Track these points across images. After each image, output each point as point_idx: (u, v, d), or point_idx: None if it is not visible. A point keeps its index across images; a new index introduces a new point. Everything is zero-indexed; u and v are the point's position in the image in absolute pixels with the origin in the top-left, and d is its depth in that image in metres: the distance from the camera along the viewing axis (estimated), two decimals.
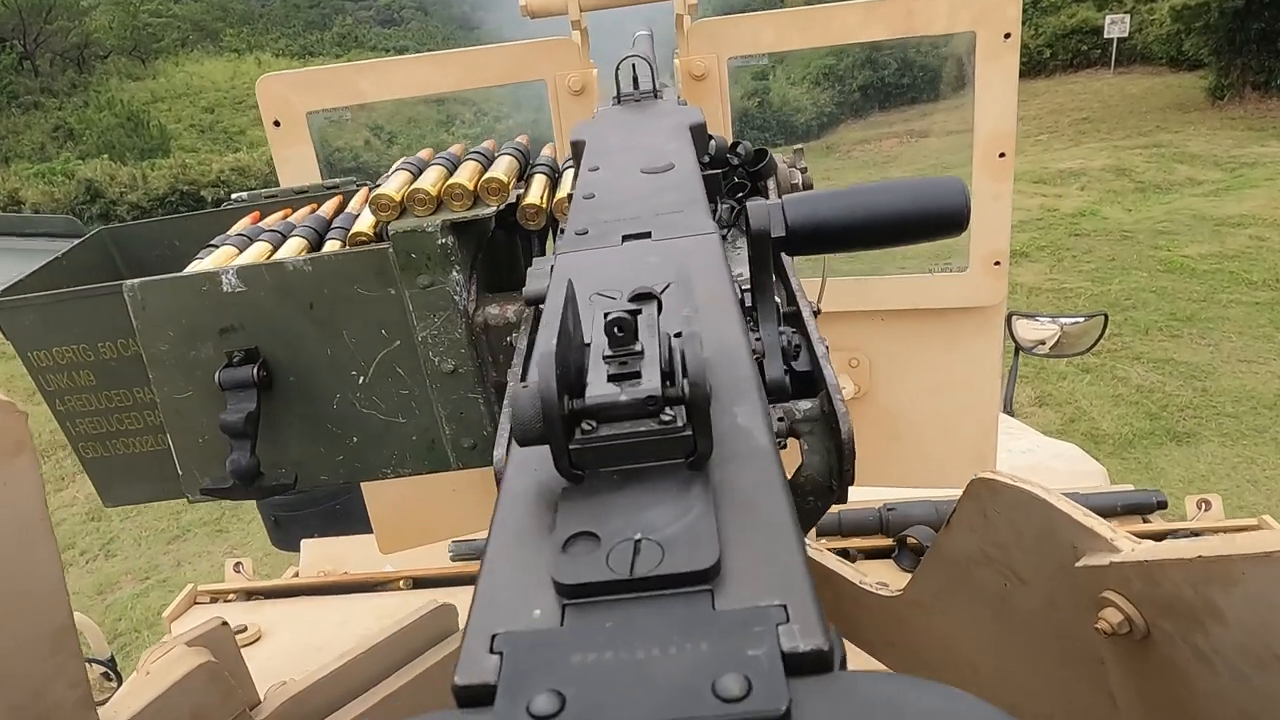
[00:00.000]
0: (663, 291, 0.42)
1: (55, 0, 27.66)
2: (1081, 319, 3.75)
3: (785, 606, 0.25)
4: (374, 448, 0.87)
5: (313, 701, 1.04)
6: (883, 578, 1.41)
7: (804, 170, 0.99)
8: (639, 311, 0.35)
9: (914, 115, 17.87)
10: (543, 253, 0.92)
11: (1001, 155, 1.49)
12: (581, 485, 0.32)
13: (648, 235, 0.56)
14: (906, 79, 19.21)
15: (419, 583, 1.90)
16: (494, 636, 0.26)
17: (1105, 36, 17.17)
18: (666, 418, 0.31)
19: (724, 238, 0.79)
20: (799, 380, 0.64)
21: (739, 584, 0.27)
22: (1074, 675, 0.81)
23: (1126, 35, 16.94)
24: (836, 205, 0.61)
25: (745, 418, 0.34)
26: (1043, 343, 3.71)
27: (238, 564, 2.09)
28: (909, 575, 1.56)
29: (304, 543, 2.25)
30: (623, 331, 0.33)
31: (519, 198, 0.85)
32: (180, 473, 0.87)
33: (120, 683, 2.13)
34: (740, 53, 1.49)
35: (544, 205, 0.83)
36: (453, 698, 0.25)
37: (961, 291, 1.62)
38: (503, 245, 0.92)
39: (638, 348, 0.33)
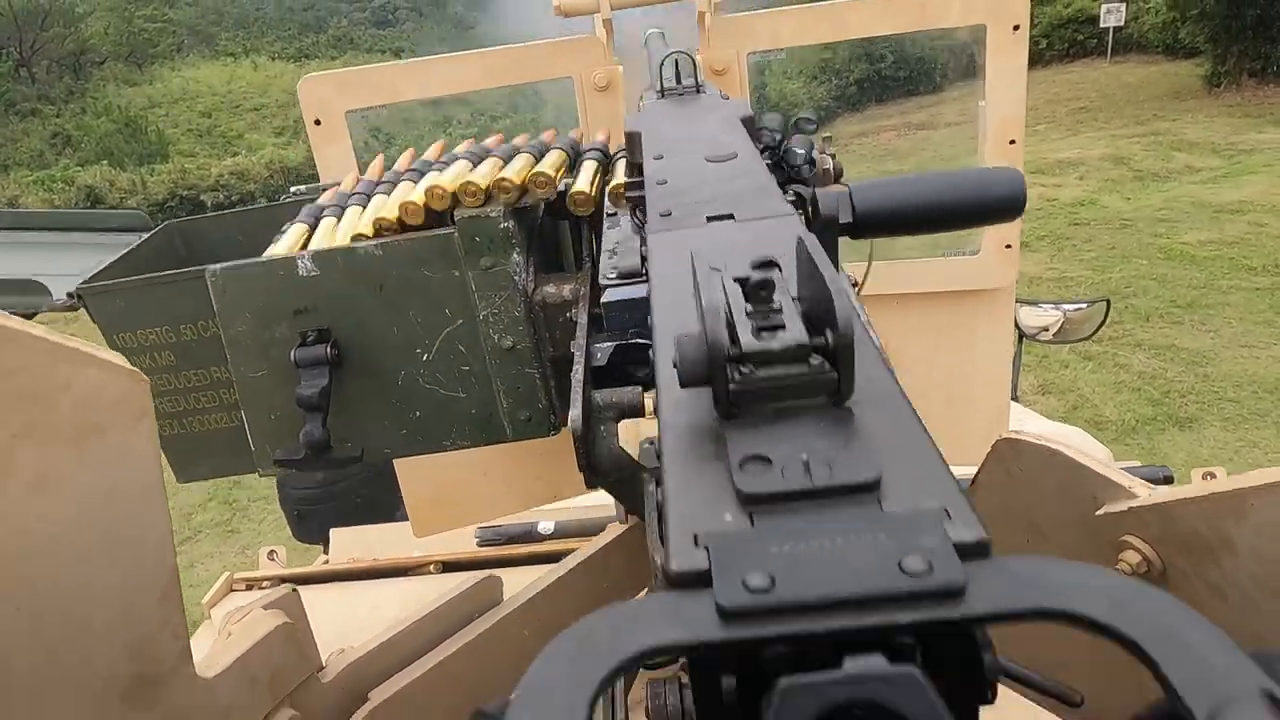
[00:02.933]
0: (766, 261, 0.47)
1: (51, 7, 27.67)
2: (1084, 305, 3.81)
3: (945, 509, 0.30)
4: (435, 421, 0.93)
5: (371, 667, 1.10)
6: None
7: (833, 156, 1.04)
8: (769, 273, 0.40)
9: (911, 108, 17.91)
10: (591, 236, 0.97)
11: (1012, 141, 1.55)
12: (739, 421, 0.36)
13: (730, 217, 0.59)
14: (903, 72, 19.25)
15: (449, 566, 1.95)
16: (696, 535, 0.30)
17: (1101, 26, 17.20)
18: (814, 362, 0.35)
19: None
20: None
21: (900, 492, 0.31)
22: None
23: (1122, 24, 16.97)
24: (902, 192, 0.66)
25: (870, 366, 0.38)
26: (1046, 329, 3.76)
27: (271, 552, 2.14)
28: None
29: (333, 531, 2.30)
30: (765, 290, 0.38)
31: (567, 185, 0.91)
32: (253, 447, 0.92)
33: None
34: (760, 48, 1.55)
35: (593, 192, 0.88)
36: (664, 583, 0.29)
37: (973, 274, 1.68)
38: (550, 231, 0.98)
39: (776, 305, 0.38)
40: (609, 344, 0.76)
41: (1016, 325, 3.67)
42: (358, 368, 0.90)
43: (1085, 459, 0.79)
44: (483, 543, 2.06)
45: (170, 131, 25.16)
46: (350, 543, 2.24)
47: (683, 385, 0.37)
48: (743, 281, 0.40)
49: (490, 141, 0.97)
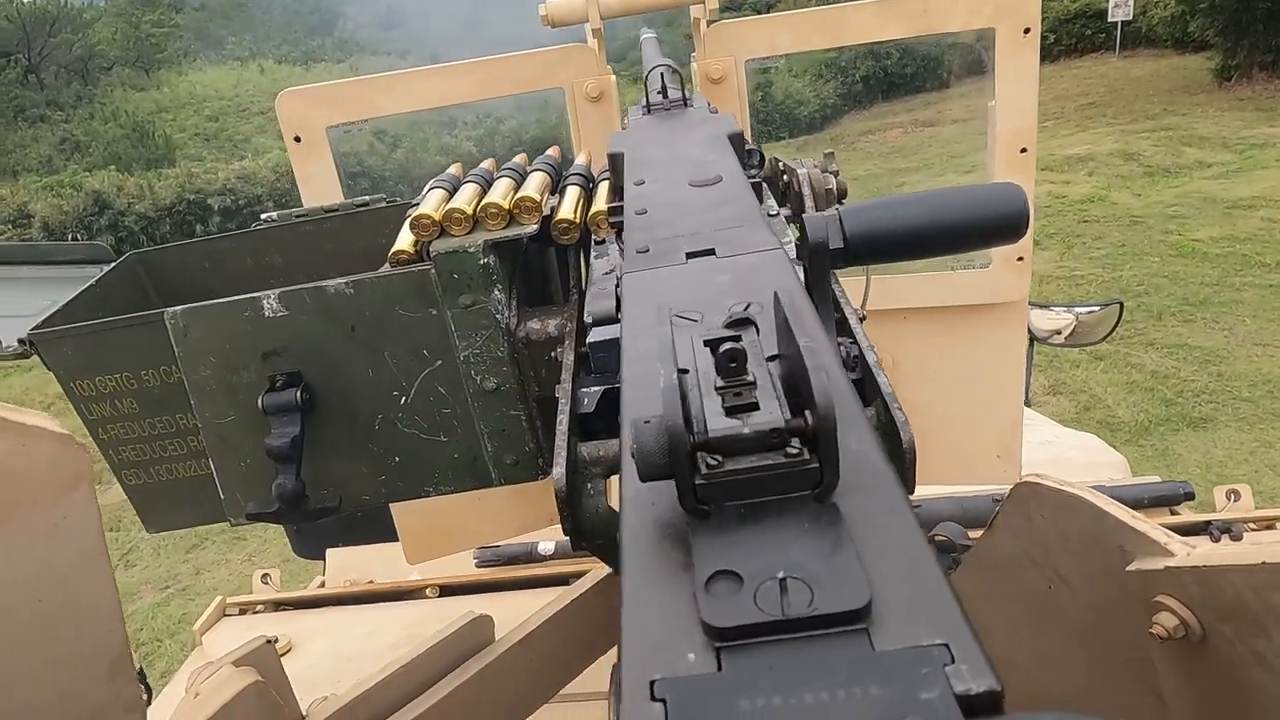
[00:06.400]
0: (745, 310, 0.42)
1: (58, 13, 27.79)
2: (1096, 308, 3.74)
3: (948, 646, 0.25)
4: (416, 467, 0.87)
5: (354, 717, 1.04)
6: None
7: (836, 174, 0.99)
8: (740, 339, 0.35)
9: (918, 105, 17.81)
10: (578, 263, 0.91)
11: (1023, 151, 1.49)
12: (709, 521, 0.31)
13: (711, 252, 0.55)
14: (909, 68, 19.13)
15: (446, 590, 1.91)
16: (653, 683, 0.26)
17: (1110, 20, 17.06)
18: (792, 450, 0.31)
19: None
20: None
21: (894, 622, 0.26)
22: (1120, 676, 0.81)
23: (1131, 18, 16.82)
24: (894, 215, 0.60)
25: (858, 443, 0.34)
26: (1058, 333, 3.69)
27: (265, 575, 2.10)
28: None
29: (329, 552, 2.26)
30: (735, 362, 0.33)
31: (552, 210, 0.85)
32: (223, 497, 0.87)
33: (150, 692, 2.14)
34: (758, 54, 1.49)
35: (577, 219, 0.83)
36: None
37: (984, 288, 1.62)
38: (535, 258, 0.92)
39: (749, 377, 0.33)
40: (596, 389, 0.70)
41: (1028, 329, 3.60)
42: (332, 412, 0.84)
43: (1113, 507, 0.73)
44: (481, 564, 2.01)
45: (178, 136, 25.25)
46: (347, 563, 2.20)
47: (642, 479, 0.32)
48: (713, 345, 0.35)
49: (453, 169, 0.91)
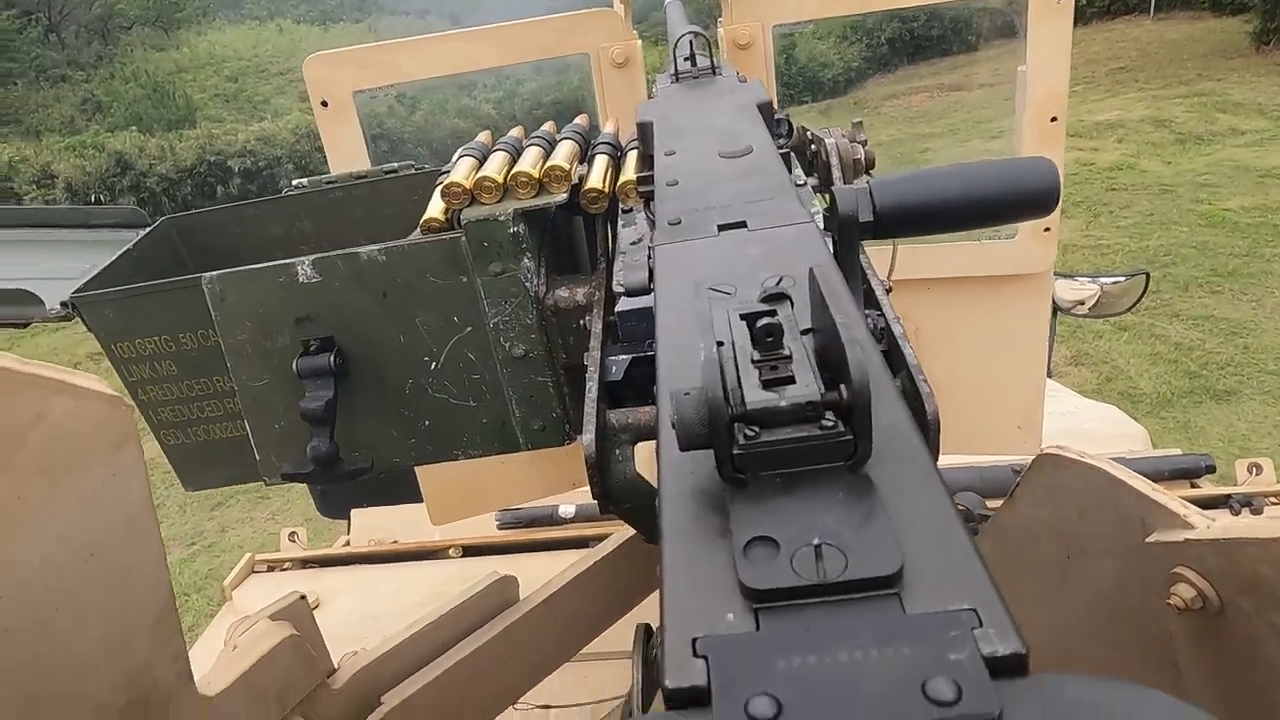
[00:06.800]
0: (778, 285, 0.43)
1: None
2: (1122, 278, 3.69)
3: (975, 611, 0.26)
4: (446, 431, 0.89)
5: (383, 671, 1.07)
6: None
7: (864, 143, 0.98)
8: (775, 313, 0.36)
9: (944, 69, 17.46)
10: (606, 232, 0.92)
11: (1053, 120, 1.46)
12: (746, 490, 0.33)
13: (743, 225, 0.56)
14: (936, 31, 18.73)
15: (469, 551, 1.94)
16: (695, 641, 0.27)
17: None
18: (827, 423, 0.32)
19: None
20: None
21: (924, 588, 0.28)
22: (1137, 647, 0.82)
23: None
24: (925, 188, 0.61)
25: (889, 415, 0.35)
26: (1082, 303, 3.65)
27: (293, 533, 2.15)
28: None
29: (354, 512, 2.30)
30: (772, 337, 0.34)
31: (581, 179, 0.86)
32: (258, 457, 0.89)
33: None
34: (785, 20, 1.47)
35: (605, 189, 0.83)
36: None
37: (1010, 259, 1.61)
38: (563, 227, 0.93)
39: (785, 351, 0.34)
40: (624, 356, 0.71)
41: (1052, 300, 3.56)
42: (364, 377, 0.86)
43: (1135, 480, 0.74)
44: (503, 526, 2.05)
45: (198, 97, 25.19)
46: (371, 524, 2.24)
47: (682, 449, 0.33)
48: (750, 320, 0.37)
49: (482, 136, 0.92)
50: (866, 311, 0.64)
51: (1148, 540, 0.73)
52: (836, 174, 0.93)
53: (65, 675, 0.64)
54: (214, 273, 0.80)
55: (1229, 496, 1.68)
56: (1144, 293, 3.62)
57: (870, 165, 0.97)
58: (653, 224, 0.71)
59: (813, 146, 0.99)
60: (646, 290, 0.65)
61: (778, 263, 0.49)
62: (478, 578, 1.79)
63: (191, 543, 5.89)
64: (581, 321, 0.83)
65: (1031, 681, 0.24)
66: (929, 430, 0.61)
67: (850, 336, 0.32)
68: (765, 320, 0.35)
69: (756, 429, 0.32)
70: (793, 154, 1.02)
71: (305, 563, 2.01)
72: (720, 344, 0.36)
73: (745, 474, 0.33)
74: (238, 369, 0.84)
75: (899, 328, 0.66)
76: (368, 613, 1.79)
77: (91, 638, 0.64)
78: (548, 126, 0.94)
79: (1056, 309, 3.59)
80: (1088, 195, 8.95)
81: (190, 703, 0.76)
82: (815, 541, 0.29)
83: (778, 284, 0.45)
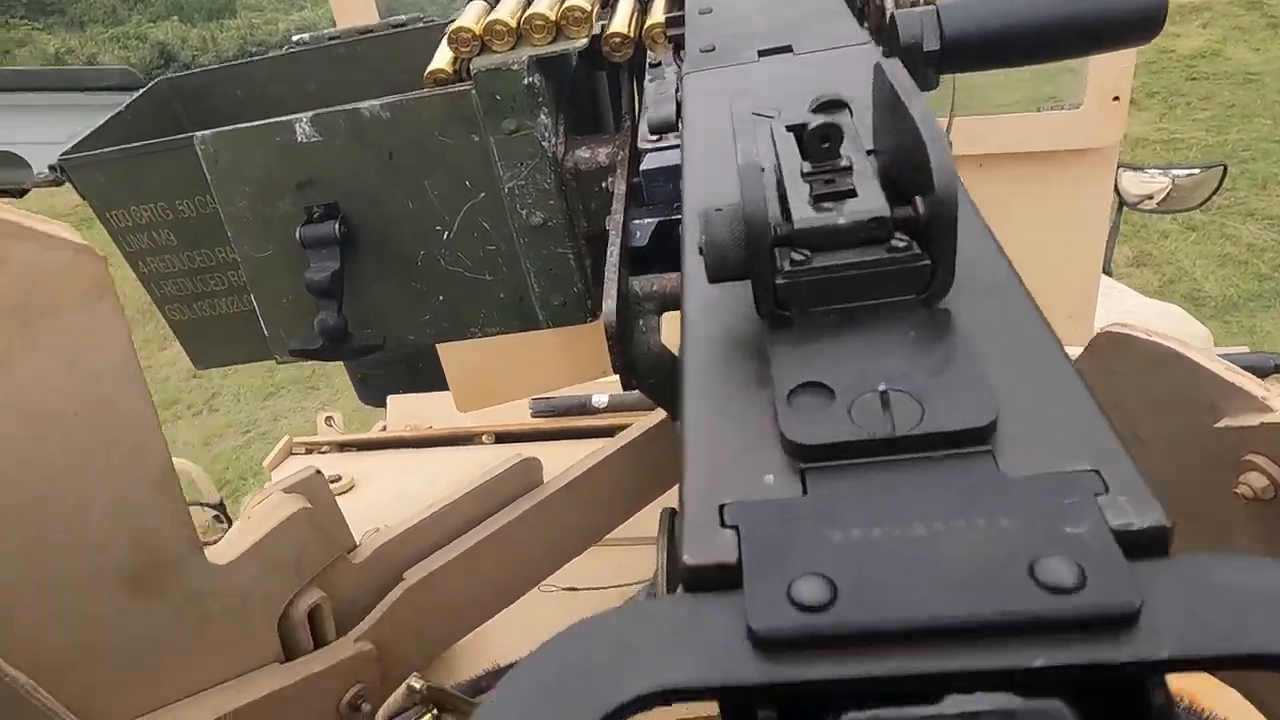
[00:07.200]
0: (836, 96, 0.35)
1: None
2: (1196, 170, 3.46)
3: (1098, 473, 0.20)
4: (461, 306, 0.85)
5: (405, 548, 1.07)
6: None
7: None
8: (832, 122, 0.28)
9: None
10: (631, 88, 0.84)
11: None
12: (791, 329, 0.26)
13: (788, 49, 0.48)
14: None
15: (501, 438, 1.95)
16: (722, 508, 0.21)
17: None
18: (899, 243, 0.25)
19: None
20: None
21: (1028, 444, 0.22)
22: (1196, 542, 0.77)
23: None
24: (1005, 8, 0.51)
25: (973, 245, 0.28)
26: (1150, 197, 3.44)
27: (329, 418, 2.17)
28: None
29: (390, 399, 2.32)
30: (827, 141, 0.27)
31: (603, 27, 0.78)
32: (266, 333, 0.86)
33: (230, 524, 2.27)
34: None
35: (631, 34, 0.75)
36: (679, 581, 0.20)
37: (1073, 132, 1.47)
38: (584, 80, 0.86)
39: (844, 162, 0.27)
40: (650, 220, 0.65)
41: (1116, 192, 3.37)
42: (372, 246, 0.81)
43: (1207, 360, 0.67)
44: (536, 414, 2.04)
45: None
46: (408, 410, 2.26)
47: (711, 280, 0.27)
48: (799, 130, 0.29)
49: None
50: None
51: (1217, 425, 0.66)
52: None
53: (66, 532, 0.63)
54: (207, 132, 0.75)
55: None
56: (1218, 187, 3.40)
57: None
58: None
59: None
60: (673, 126, 0.57)
61: (832, 84, 0.41)
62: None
63: (247, 430, 6.09)
64: (604, 184, 0.77)
65: (1176, 563, 0.18)
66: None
67: (933, 133, 0.25)
68: (819, 121, 0.28)
69: (806, 253, 0.26)
70: None
71: (341, 446, 2.04)
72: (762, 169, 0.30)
73: (791, 310, 0.26)
74: (239, 238, 0.80)
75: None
76: (401, 494, 1.81)
77: (91, 495, 0.63)
78: None
79: (1122, 204, 3.40)
80: (1164, 85, 8.39)
81: (200, 571, 0.76)
82: (881, 388, 0.23)
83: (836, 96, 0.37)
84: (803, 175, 0.27)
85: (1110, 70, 1.36)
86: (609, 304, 0.56)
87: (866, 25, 0.89)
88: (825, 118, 0.28)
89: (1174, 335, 2.29)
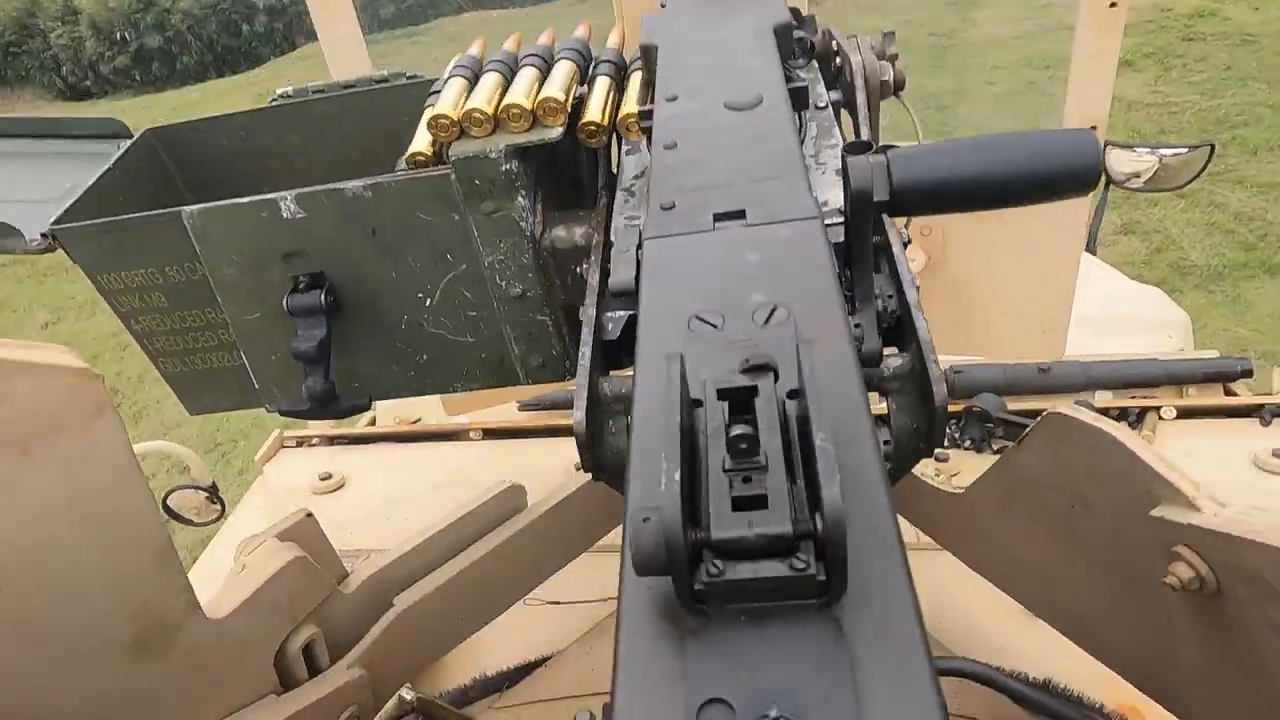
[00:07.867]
0: (769, 318, 0.40)
1: None
2: (1184, 150, 3.47)
3: None
4: (444, 364, 0.88)
5: (394, 575, 1.12)
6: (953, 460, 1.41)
7: (895, 59, 0.90)
8: (755, 389, 0.34)
9: None
10: (608, 160, 0.86)
11: (1113, 4, 1.32)
12: (708, 624, 0.31)
13: (741, 214, 0.52)
14: None
15: (489, 434, 1.98)
16: None
17: None
18: (799, 563, 0.30)
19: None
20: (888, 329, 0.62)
21: None
22: (1134, 602, 0.82)
23: None
24: (949, 163, 0.54)
25: (877, 549, 0.32)
26: (1137, 175, 3.45)
27: None
28: (974, 455, 1.55)
29: None
30: (746, 445, 0.32)
31: (579, 109, 0.80)
32: (258, 387, 0.89)
33: (223, 505, 2.30)
34: None
35: (605, 122, 0.77)
36: None
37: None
38: (564, 154, 0.88)
39: (760, 460, 0.32)
40: (622, 313, 0.68)
41: (1105, 171, 3.37)
42: (358, 312, 0.84)
43: (1145, 452, 0.71)
44: (523, 407, 2.08)
45: None
46: (396, 403, 2.28)
47: (638, 574, 0.32)
48: (729, 398, 0.34)
49: (475, 48, 0.85)
50: (876, 295, 0.60)
51: (1152, 513, 0.70)
52: (861, 98, 0.85)
53: (71, 616, 0.67)
54: (193, 207, 0.77)
55: (1262, 406, 1.63)
56: (1205, 166, 3.41)
57: (900, 86, 0.89)
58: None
59: (837, 59, 0.91)
60: (632, 291, 0.61)
61: (774, 277, 0.45)
62: (497, 460, 1.83)
63: None
64: (580, 265, 0.80)
65: None
66: (934, 418, 0.58)
67: (828, 467, 0.29)
68: (739, 429, 0.32)
69: (720, 566, 0.31)
70: (816, 64, 0.93)
71: (331, 440, 2.06)
72: (697, 403, 0.34)
73: (707, 605, 0.31)
74: (228, 303, 0.82)
75: (914, 294, 0.62)
76: (391, 493, 1.84)
77: (92, 582, 0.67)
78: (545, 37, 0.86)
79: (1110, 181, 3.40)
80: (1161, 45, 8.30)
81: (199, 626, 0.80)
82: (772, 714, 0.28)
83: (767, 319, 0.41)
84: (724, 469, 0.32)
85: (1087, 102, 1.37)
86: (578, 413, 0.59)
87: (838, 89, 0.91)
88: (744, 426, 0.32)
89: (1153, 322, 2.32)
